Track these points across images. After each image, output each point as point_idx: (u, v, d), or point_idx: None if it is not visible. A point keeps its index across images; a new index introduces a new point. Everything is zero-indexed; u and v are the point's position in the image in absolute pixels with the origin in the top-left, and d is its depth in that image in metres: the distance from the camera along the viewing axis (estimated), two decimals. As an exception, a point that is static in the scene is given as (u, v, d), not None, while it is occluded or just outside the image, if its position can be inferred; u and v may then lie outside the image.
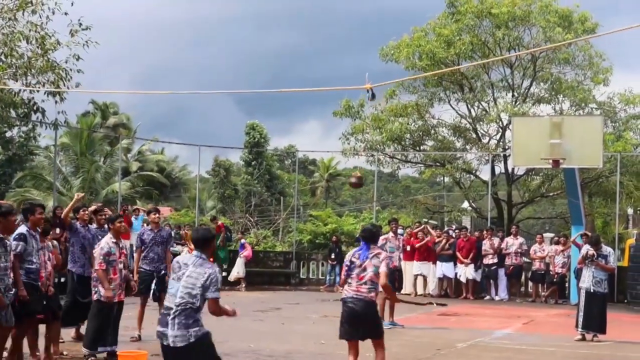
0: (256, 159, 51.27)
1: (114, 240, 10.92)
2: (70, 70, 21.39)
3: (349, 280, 9.46)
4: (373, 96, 11.83)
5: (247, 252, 25.47)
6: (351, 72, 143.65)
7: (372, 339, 9.47)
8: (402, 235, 18.30)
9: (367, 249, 9.54)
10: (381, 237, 16.92)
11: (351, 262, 9.53)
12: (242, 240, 26.27)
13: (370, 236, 9.74)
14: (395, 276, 16.38)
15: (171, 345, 6.97)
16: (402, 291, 22.87)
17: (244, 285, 24.81)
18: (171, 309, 7.02)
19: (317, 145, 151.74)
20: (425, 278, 24.17)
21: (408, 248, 23.50)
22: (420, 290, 24.08)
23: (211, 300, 6.99)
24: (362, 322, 9.32)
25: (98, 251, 10.79)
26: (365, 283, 9.36)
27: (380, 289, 9.53)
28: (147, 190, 46.26)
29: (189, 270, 7.08)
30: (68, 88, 21.19)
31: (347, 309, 9.40)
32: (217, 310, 7.06)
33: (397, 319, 16.09)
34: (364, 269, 9.39)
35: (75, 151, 40.68)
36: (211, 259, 7.95)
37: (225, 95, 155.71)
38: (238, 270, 25.11)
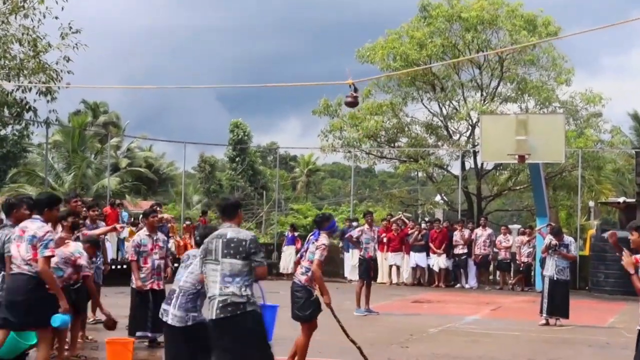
0: (240, 156, 51.18)
1: (147, 233, 11.24)
2: (61, 71, 21.26)
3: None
4: (355, 90, 11.90)
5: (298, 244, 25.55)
6: (330, 75, 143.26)
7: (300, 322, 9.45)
8: (377, 227, 18.33)
9: (316, 235, 9.61)
10: (357, 229, 17.04)
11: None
12: (295, 234, 26.11)
13: (318, 222, 9.87)
14: (370, 266, 16.45)
15: (169, 323, 7.30)
16: (378, 280, 22.96)
17: None
18: (175, 290, 7.43)
19: (298, 142, 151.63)
20: (399, 268, 24.22)
21: (384, 239, 23.56)
22: (394, 279, 24.15)
23: None
24: (292, 302, 9.36)
25: (130, 243, 11.13)
26: (302, 267, 9.47)
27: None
28: (135, 186, 45.95)
29: (197, 260, 7.34)
30: (59, 88, 21.05)
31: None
32: None
33: (372, 306, 16.13)
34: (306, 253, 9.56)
35: (67, 148, 40.28)
36: None
37: (209, 96, 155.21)
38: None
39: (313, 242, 9.46)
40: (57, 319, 7.72)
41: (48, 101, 21.44)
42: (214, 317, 6.68)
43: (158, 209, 14.06)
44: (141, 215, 12.33)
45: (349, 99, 12.43)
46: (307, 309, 9.26)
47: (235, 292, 6.67)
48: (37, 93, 21.19)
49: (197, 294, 7.36)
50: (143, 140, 50.10)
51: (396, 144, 31.09)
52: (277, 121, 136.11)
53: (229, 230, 6.85)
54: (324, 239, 9.48)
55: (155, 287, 11.05)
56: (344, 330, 9.48)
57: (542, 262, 16.55)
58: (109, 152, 34.87)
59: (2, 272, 8.44)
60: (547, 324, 14.74)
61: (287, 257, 25.13)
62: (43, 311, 7.75)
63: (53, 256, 7.87)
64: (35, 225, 7.80)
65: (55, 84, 21.03)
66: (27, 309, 7.70)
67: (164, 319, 7.36)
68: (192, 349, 7.28)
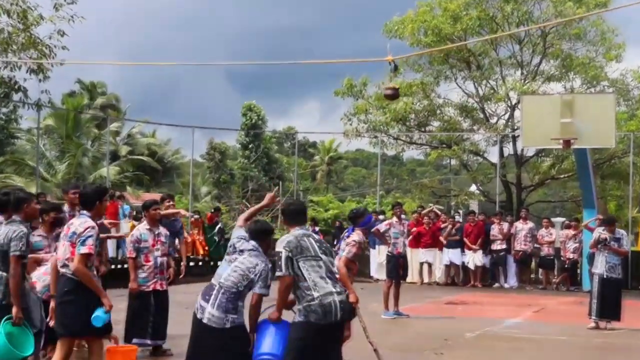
0: (253, 142, 51.00)
1: (148, 227, 10.92)
2: (55, 47, 21.23)
3: None
4: (396, 68, 11.76)
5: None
6: (350, 51, 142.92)
7: None
8: (406, 220, 18.23)
9: (350, 231, 9.96)
10: (385, 222, 16.95)
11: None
12: (316, 228, 26.00)
13: (351, 218, 10.29)
14: (399, 263, 16.36)
15: (204, 321, 7.16)
16: (408, 279, 22.85)
17: None
18: (215, 286, 7.28)
19: (317, 126, 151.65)
20: (430, 265, 24.14)
21: (415, 234, 23.41)
22: (426, 279, 24.07)
23: (256, 294, 7.32)
24: None
25: (129, 239, 10.87)
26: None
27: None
28: (137, 176, 46.02)
29: (243, 256, 7.42)
30: (52, 65, 21.03)
31: None
32: (256, 307, 7.33)
33: (402, 308, 16.08)
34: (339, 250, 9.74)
35: (60, 134, 40.35)
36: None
37: (219, 75, 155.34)
38: None
39: (344, 240, 9.55)
40: (99, 319, 7.64)
41: (40, 80, 21.47)
42: (338, 319, 7.19)
43: (171, 202, 13.88)
44: (142, 207, 12.06)
45: (389, 91, 12.26)
46: None
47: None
48: (27, 71, 21.23)
49: (239, 295, 7.25)
50: (145, 125, 50.21)
51: (427, 128, 30.98)
52: (294, 103, 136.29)
53: (310, 232, 7.61)
54: (356, 235, 9.65)
55: (158, 287, 10.81)
56: (365, 331, 9.45)
57: (590, 259, 16.45)
58: (108, 139, 34.82)
59: (5, 274, 8.32)
60: (597, 327, 14.62)
61: None
62: (75, 316, 7.67)
63: (91, 254, 7.71)
64: (79, 221, 7.84)
65: (47, 61, 21.01)
66: (61, 313, 7.77)
67: (199, 317, 7.19)
68: (225, 356, 7.17)
